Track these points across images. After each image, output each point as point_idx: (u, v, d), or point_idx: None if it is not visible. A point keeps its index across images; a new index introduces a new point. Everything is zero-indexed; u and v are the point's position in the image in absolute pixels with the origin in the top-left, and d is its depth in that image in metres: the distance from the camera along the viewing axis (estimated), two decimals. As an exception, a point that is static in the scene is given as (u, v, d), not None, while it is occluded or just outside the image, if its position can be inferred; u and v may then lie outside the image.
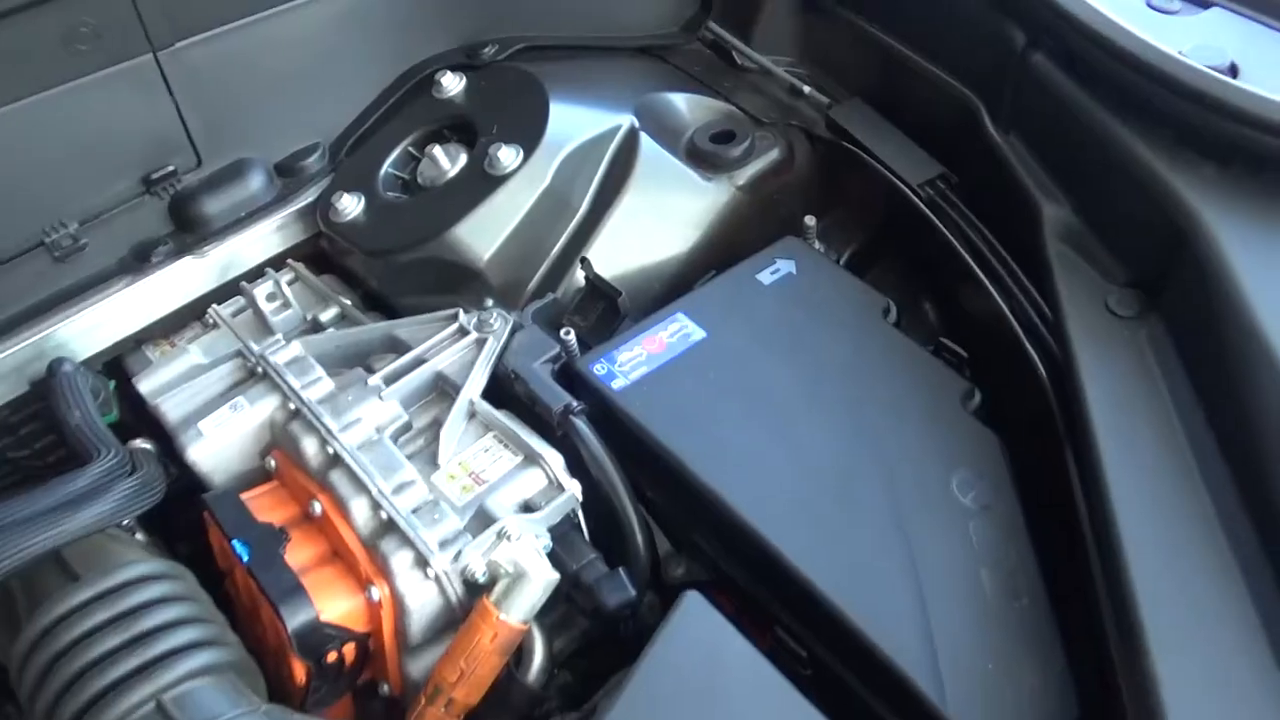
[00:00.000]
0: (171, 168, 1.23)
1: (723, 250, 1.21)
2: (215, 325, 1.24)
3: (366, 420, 1.00)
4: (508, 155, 1.16)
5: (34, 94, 1.10)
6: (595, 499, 0.98)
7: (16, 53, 1.06)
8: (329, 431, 0.98)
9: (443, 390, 1.06)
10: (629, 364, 1.05)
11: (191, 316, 1.28)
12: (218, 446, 1.03)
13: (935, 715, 0.79)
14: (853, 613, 0.84)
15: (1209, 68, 0.95)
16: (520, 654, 0.94)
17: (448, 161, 1.24)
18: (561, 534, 0.96)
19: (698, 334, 1.07)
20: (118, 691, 0.81)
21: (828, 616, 0.86)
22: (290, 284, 1.24)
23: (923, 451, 0.96)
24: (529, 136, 1.18)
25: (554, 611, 0.98)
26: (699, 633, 0.84)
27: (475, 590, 0.91)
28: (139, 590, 0.88)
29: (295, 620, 0.87)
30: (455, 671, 0.88)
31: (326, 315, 1.21)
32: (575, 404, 0.99)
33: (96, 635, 0.84)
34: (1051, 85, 1.06)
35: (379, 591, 0.91)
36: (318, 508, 0.96)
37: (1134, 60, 0.97)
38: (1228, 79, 0.93)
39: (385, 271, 1.21)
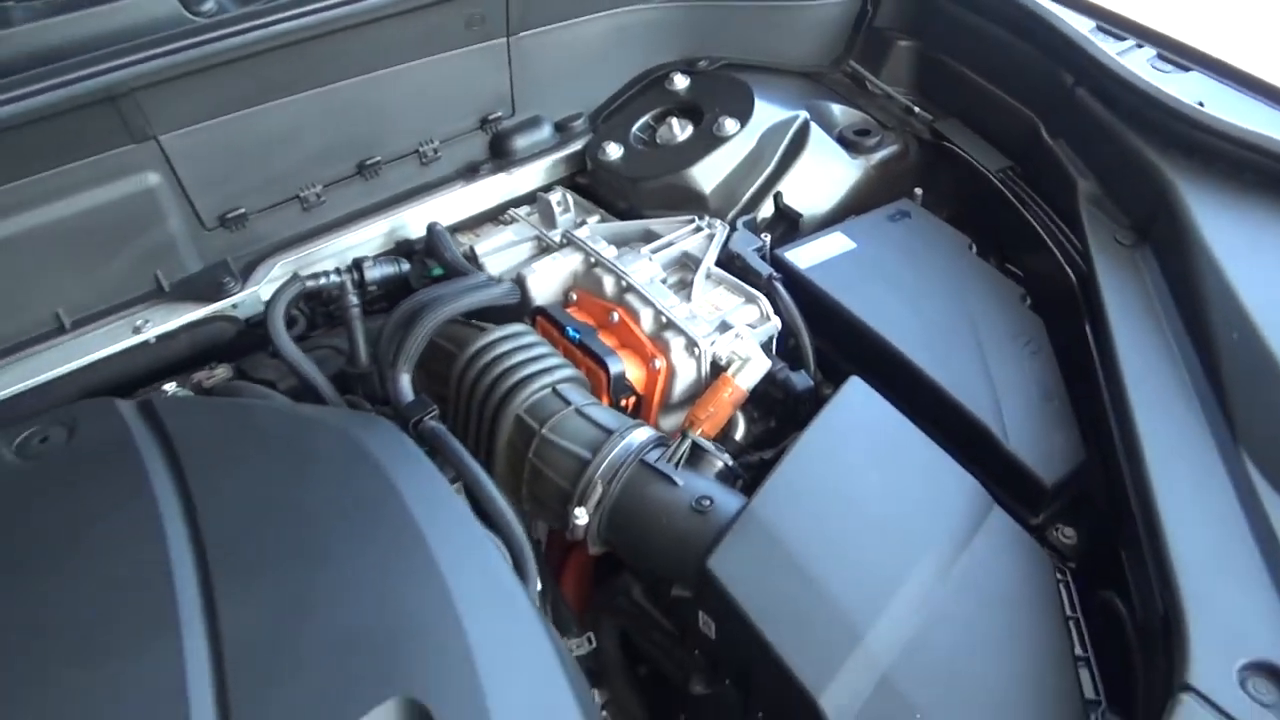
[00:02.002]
0: (499, 114, 1.73)
1: (857, 207, 1.70)
2: (512, 221, 1.74)
3: (643, 271, 1.48)
4: (730, 125, 1.66)
5: (438, 54, 1.60)
6: (785, 334, 1.47)
7: (435, 26, 1.56)
8: (622, 273, 1.46)
9: (683, 263, 1.54)
10: (808, 256, 1.53)
11: (488, 218, 1.78)
12: (542, 282, 1.52)
13: (1003, 450, 1.26)
14: (961, 398, 1.30)
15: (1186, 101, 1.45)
16: (728, 427, 1.41)
17: (680, 129, 1.74)
18: (764, 347, 1.44)
19: (850, 245, 1.56)
20: (524, 382, 1.28)
21: (943, 404, 1.32)
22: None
23: (996, 323, 1.44)
24: (743, 115, 1.67)
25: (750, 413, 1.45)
26: (858, 406, 1.30)
27: (717, 370, 1.39)
28: (525, 335, 1.36)
29: (615, 369, 1.35)
30: (705, 412, 1.35)
31: (590, 219, 1.71)
32: (776, 274, 1.48)
33: (508, 354, 1.31)
34: (1089, 110, 1.55)
35: (660, 363, 1.38)
36: (615, 317, 1.43)
37: (1144, 95, 1.46)
38: (1197, 106, 1.42)
39: (635, 193, 1.69)
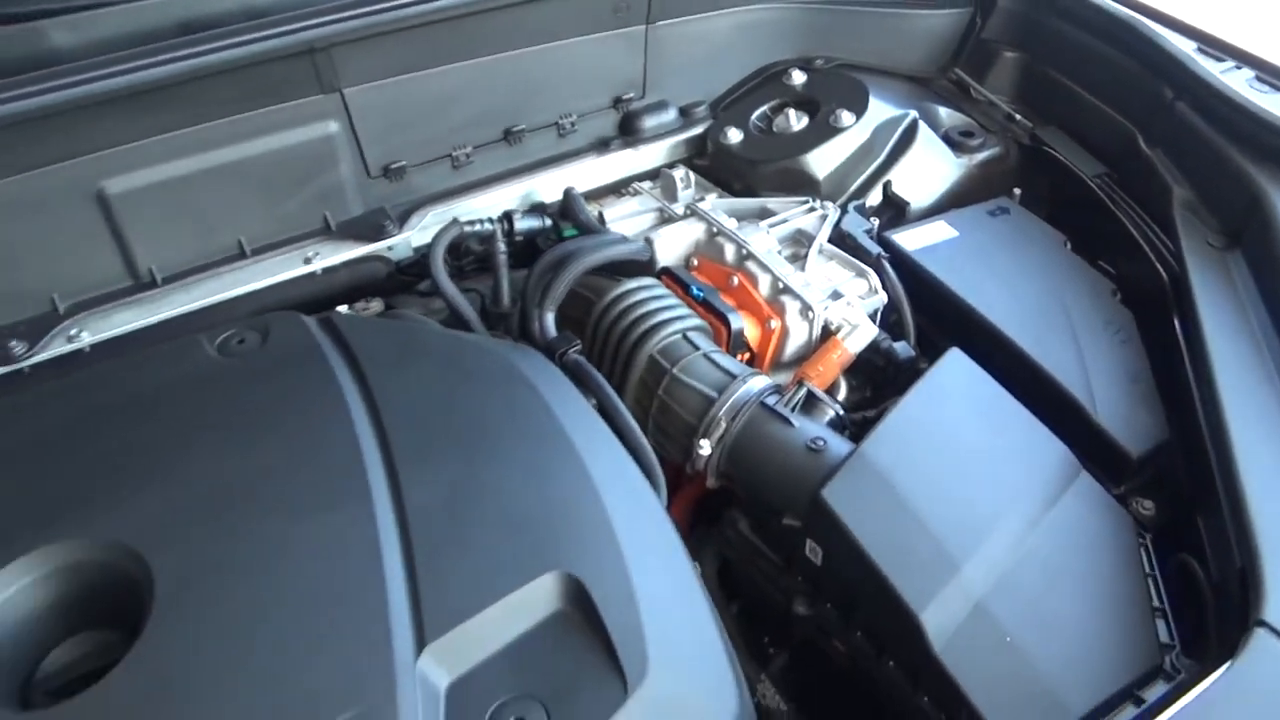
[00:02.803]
0: (631, 95, 1.85)
1: (957, 202, 1.79)
2: (637, 193, 1.86)
3: (761, 241, 1.59)
4: (847, 117, 1.76)
5: (584, 36, 1.73)
6: (887, 310, 1.56)
7: (585, 10, 1.69)
8: (743, 242, 1.57)
9: (796, 239, 1.65)
10: (913, 240, 1.63)
11: (611, 190, 1.90)
12: (667, 246, 1.62)
13: (1092, 422, 1.35)
14: (1054, 372, 1.39)
15: (1280, 116, 1.52)
16: (830, 389, 1.51)
17: (796, 120, 1.84)
18: (870, 318, 1.53)
19: (952, 233, 1.65)
20: (658, 327, 1.39)
21: (1037, 378, 1.39)
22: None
23: (1088, 311, 1.52)
24: (859, 109, 1.77)
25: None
26: (958, 373, 1.39)
27: (826, 334, 1.49)
28: (659, 287, 1.47)
29: (736, 325, 1.46)
30: (815, 371, 1.45)
31: (709, 196, 1.82)
32: (884, 253, 1.58)
33: (645, 301, 1.42)
34: (1188, 122, 1.62)
35: (776, 324, 1.49)
36: (735, 281, 1.54)
37: (1242, 109, 1.53)
38: (1290, 119, 1.49)
39: (753, 175, 1.79)
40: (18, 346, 1.38)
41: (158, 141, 1.41)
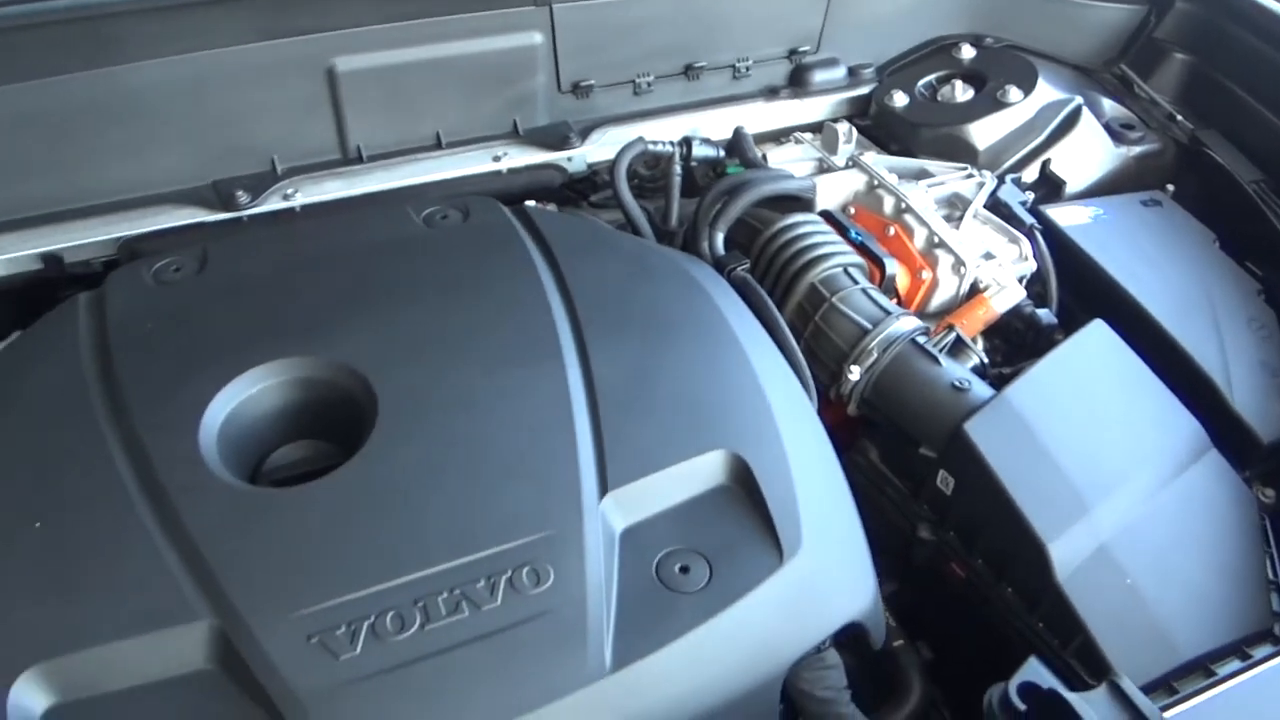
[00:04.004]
0: (806, 48, 1.91)
1: (1111, 190, 1.81)
2: (798, 142, 1.92)
3: (919, 198, 1.64)
4: (1015, 94, 1.80)
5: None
6: (1031, 281, 1.60)
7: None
8: (902, 196, 1.63)
9: (952, 202, 1.69)
10: (1066, 216, 1.66)
11: (771, 138, 1.97)
12: (828, 191, 1.68)
13: (1227, 405, 1.38)
14: (1193, 353, 1.43)
15: None
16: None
17: (962, 91, 1.89)
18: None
19: (1104, 216, 1.69)
20: (822, 258, 1.45)
21: (1176, 357, 1.43)
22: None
23: (1232, 304, 1.53)
24: (1027, 87, 1.81)
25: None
26: (1099, 342, 1.42)
27: (973, 291, 1.55)
28: (822, 223, 1.54)
29: (891, 269, 1.51)
30: (959, 323, 1.50)
31: (867, 153, 1.87)
32: (1037, 224, 1.62)
33: (810, 233, 1.49)
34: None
35: (927, 275, 1.54)
36: (891, 231, 1.60)
37: None
38: None
39: (914, 138, 1.84)
40: (243, 196, 1.51)
41: (387, 29, 1.52)
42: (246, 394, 1.08)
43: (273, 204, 1.53)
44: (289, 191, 1.55)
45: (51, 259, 1.46)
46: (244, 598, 0.88)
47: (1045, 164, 1.76)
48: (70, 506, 0.97)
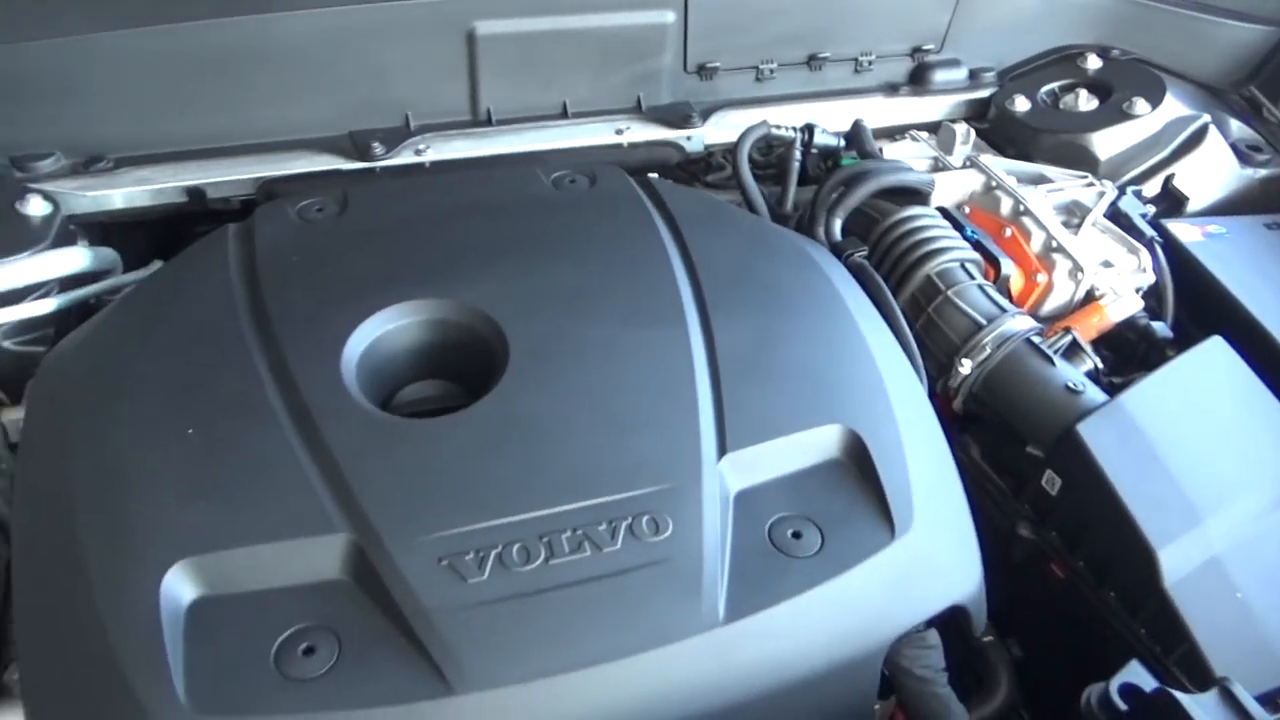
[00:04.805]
0: (929, 47, 1.91)
1: (1232, 211, 1.77)
2: (914, 140, 1.91)
3: (1037, 201, 1.63)
4: (1141, 106, 1.77)
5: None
6: (1149, 291, 1.58)
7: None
8: (1021, 198, 1.61)
9: (1070, 209, 1.67)
10: (1187, 232, 1.64)
11: (886, 134, 1.96)
12: (945, 189, 1.67)
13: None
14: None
15: None
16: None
17: (1086, 101, 1.86)
18: (1133, 293, 1.56)
19: (1225, 233, 1.65)
20: (940, 251, 1.44)
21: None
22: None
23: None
24: (1155, 100, 1.78)
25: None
26: (1217, 358, 1.38)
27: (1088, 298, 1.53)
28: (940, 217, 1.54)
29: (1006, 269, 1.50)
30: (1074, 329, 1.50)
31: (983, 156, 1.86)
32: (1158, 236, 1.59)
33: (929, 226, 1.49)
34: None
35: (1043, 278, 1.53)
36: (1007, 233, 1.59)
37: None
38: None
39: (1033, 144, 1.82)
40: (378, 148, 1.56)
41: (529, -3, 1.56)
42: (385, 329, 1.13)
43: (404, 158, 1.58)
44: (420, 147, 1.59)
45: (195, 193, 1.53)
46: (380, 517, 0.92)
47: (1168, 179, 1.73)
48: (220, 419, 1.01)
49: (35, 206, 1.39)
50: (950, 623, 1.07)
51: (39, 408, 1.09)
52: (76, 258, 1.34)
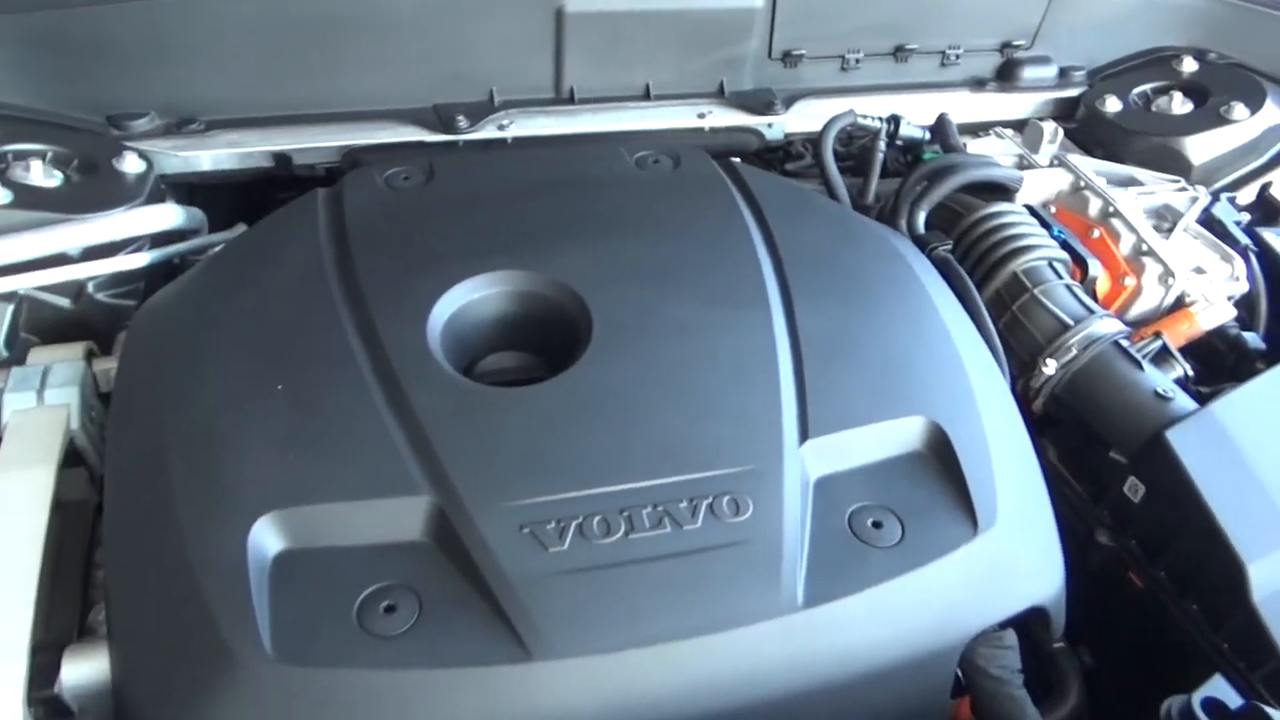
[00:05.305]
0: (1020, 43, 1.87)
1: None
2: (1000, 137, 1.88)
3: (1127, 203, 1.59)
4: (1240, 111, 1.72)
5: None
6: (1241, 301, 1.53)
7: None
8: (1110, 200, 1.58)
9: (1161, 213, 1.63)
10: (1284, 242, 1.59)
11: (969, 130, 1.93)
12: (1031, 187, 1.63)
13: None
14: None
15: None
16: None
17: (1180, 104, 1.81)
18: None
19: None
20: (1027, 248, 1.41)
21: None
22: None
23: None
24: (1254, 106, 1.73)
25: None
26: None
27: (1178, 304, 1.49)
28: (1026, 213, 1.50)
29: (1094, 270, 1.47)
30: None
31: (1070, 156, 1.82)
32: (1253, 245, 1.55)
33: (1017, 223, 1.45)
34: None
35: (1131, 281, 1.49)
36: (1096, 234, 1.55)
37: None
38: None
39: (1124, 145, 1.77)
40: (463, 121, 1.57)
41: (619, -24, 1.55)
42: (470, 298, 1.13)
43: (487, 133, 1.59)
44: (503, 123, 1.60)
45: (282, 158, 1.55)
46: (464, 481, 0.93)
47: (1265, 187, 1.67)
48: (308, 376, 1.03)
49: (131, 164, 1.42)
50: (1020, 625, 1.05)
51: (132, 360, 1.11)
52: (171, 214, 1.36)
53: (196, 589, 0.86)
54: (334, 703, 0.82)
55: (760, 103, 1.71)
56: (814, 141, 1.72)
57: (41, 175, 1.34)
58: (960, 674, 1.01)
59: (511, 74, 1.61)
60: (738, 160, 1.60)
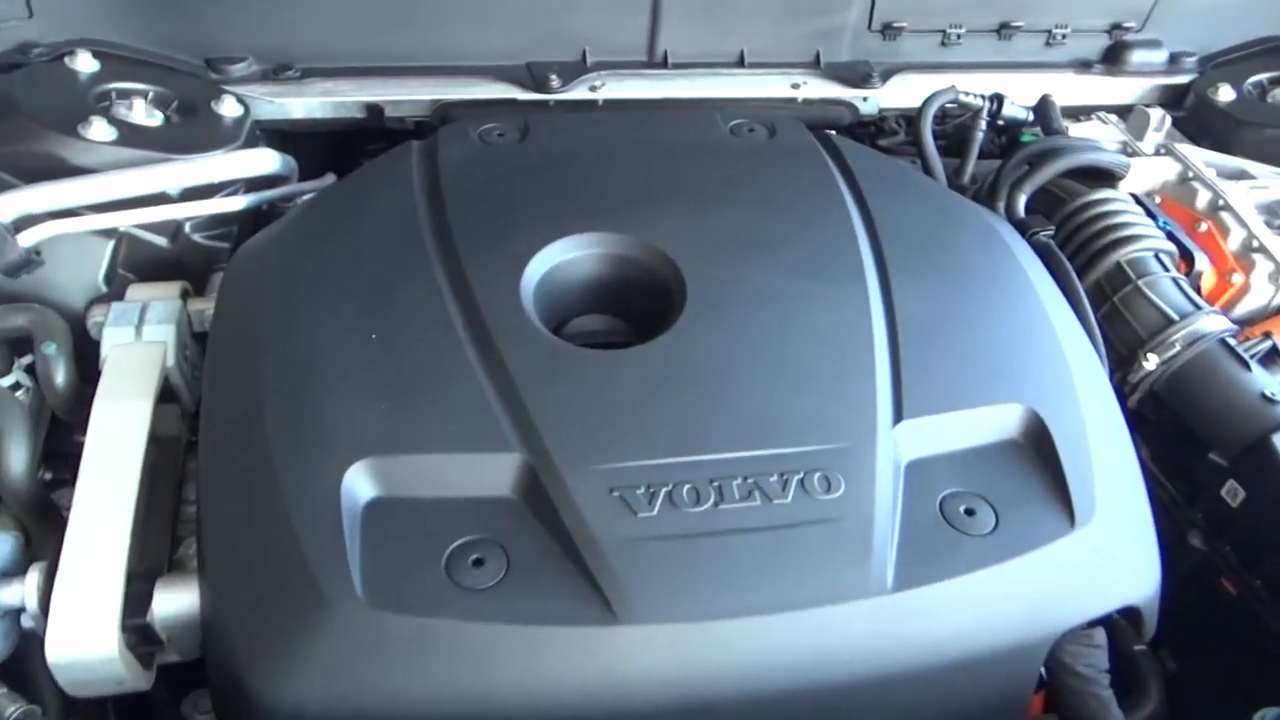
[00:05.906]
0: (1130, 25, 1.79)
1: None
2: (1104, 122, 1.81)
3: (1239, 197, 1.52)
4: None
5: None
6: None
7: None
8: (1220, 192, 1.51)
9: (1273, 209, 1.55)
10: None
11: (1069, 114, 1.86)
12: (1136, 176, 1.57)
13: None
14: None
15: None
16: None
17: (1283, 97, 1.74)
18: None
19: None
20: (1133, 238, 1.36)
21: None
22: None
23: None
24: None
25: None
26: None
27: (1288, 305, 1.43)
28: (1132, 202, 1.45)
29: (1200, 263, 1.42)
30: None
31: (1177, 145, 1.75)
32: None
33: (1123, 211, 1.40)
34: None
35: (1238, 278, 1.43)
36: (1203, 227, 1.49)
37: None
38: None
39: (1236, 135, 1.69)
40: (555, 80, 1.56)
41: (721, -61, 1.52)
42: (564, 258, 1.12)
43: (579, 93, 1.57)
44: (595, 84, 1.58)
45: (374, 109, 1.55)
46: (555, 441, 0.92)
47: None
48: (402, 327, 1.03)
49: (229, 107, 1.43)
50: (1104, 625, 1.02)
51: (230, 304, 1.13)
52: (268, 160, 1.37)
53: (290, 532, 0.86)
54: (420, 650, 0.83)
55: (857, 75, 1.67)
56: (910, 118, 1.68)
57: (144, 114, 1.35)
58: (1044, 669, 0.98)
59: (605, 35, 1.59)
60: (833, 133, 1.57)
